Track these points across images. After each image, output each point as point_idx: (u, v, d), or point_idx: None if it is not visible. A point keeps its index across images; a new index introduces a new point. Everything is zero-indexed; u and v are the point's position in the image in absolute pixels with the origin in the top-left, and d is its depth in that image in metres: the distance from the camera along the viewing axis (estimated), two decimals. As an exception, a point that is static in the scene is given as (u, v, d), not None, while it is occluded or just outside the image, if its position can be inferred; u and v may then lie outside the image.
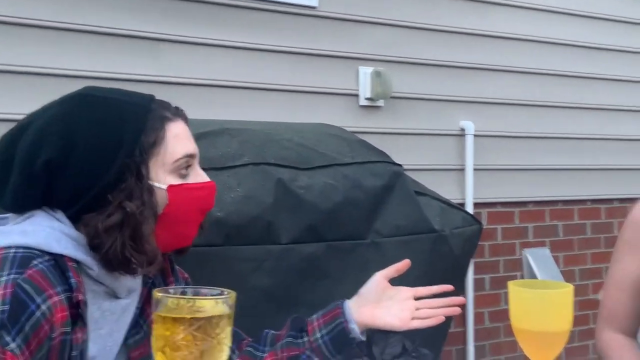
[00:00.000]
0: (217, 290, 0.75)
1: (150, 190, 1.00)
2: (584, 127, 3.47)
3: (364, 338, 1.13)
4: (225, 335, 0.71)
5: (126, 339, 1.06)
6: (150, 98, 1.07)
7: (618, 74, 3.57)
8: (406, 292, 1.15)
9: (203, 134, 1.67)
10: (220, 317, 0.71)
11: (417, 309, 1.13)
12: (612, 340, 1.35)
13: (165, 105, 1.07)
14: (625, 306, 1.34)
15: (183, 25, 2.49)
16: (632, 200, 1.37)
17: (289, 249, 1.65)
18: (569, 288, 0.88)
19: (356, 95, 2.88)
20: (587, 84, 3.49)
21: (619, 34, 3.57)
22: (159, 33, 2.44)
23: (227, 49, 2.60)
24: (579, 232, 3.49)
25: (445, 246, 1.97)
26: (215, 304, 0.72)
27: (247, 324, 1.57)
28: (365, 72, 2.86)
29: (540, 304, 0.87)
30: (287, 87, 2.72)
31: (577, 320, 3.38)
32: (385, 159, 2.00)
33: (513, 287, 0.90)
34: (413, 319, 1.12)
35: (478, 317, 3.18)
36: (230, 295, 0.73)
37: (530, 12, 3.33)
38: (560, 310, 0.87)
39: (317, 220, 1.71)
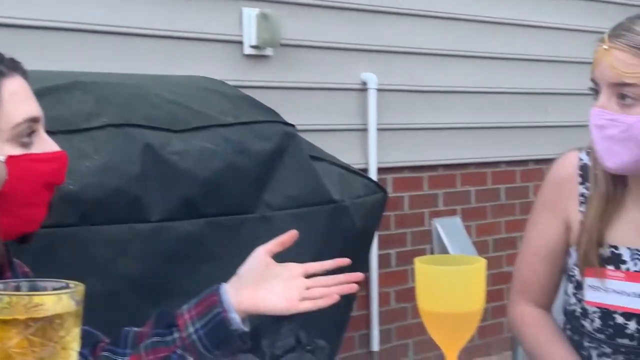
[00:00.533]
0: (62, 282, 0.71)
1: None
2: (499, 80, 3.60)
3: (247, 328, 1.10)
4: (71, 338, 0.67)
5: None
6: None
7: (540, 19, 3.72)
8: (294, 269, 1.14)
9: (48, 89, 1.60)
10: (64, 315, 0.67)
11: (308, 288, 1.11)
12: (526, 314, 1.39)
13: None
14: (541, 275, 1.39)
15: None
16: (548, 161, 1.43)
17: (160, 227, 1.62)
18: (481, 263, 0.90)
19: (239, 43, 2.82)
20: (505, 30, 3.61)
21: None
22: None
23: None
24: (492, 198, 3.64)
25: (345, 218, 1.99)
26: (58, 299, 0.67)
27: (110, 320, 1.51)
28: (250, 14, 2.81)
29: (449, 282, 0.89)
30: (154, 32, 2.63)
31: (491, 296, 3.54)
32: (274, 119, 1.99)
33: (419, 264, 0.91)
34: (303, 299, 1.11)
35: (383, 298, 3.26)
36: (77, 288, 0.69)
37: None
38: (471, 288, 0.89)
39: (194, 193, 1.68)
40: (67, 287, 0.70)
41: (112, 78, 1.89)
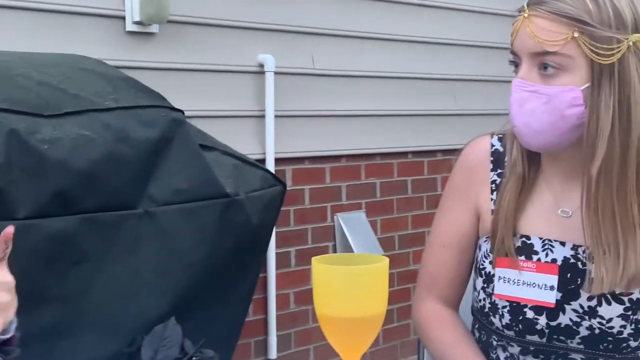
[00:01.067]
0: None
1: None
2: (405, 64, 3.67)
3: None
4: None
5: None
6: None
7: (447, 0, 3.81)
8: None
9: None
10: None
11: None
12: (432, 312, 1.41)
13: None
14: (449, 266, 1.41)
15: None
16: (457, 151, 1.46)
17: (28, 225, 1.58)
18: (383, 262, 0.91)
19: (121, 18, 2.76)
20: (413, 11, 3.68)
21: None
22: None
23: None
24: (398, 191, 3.70)
25: (240, 214, 1.99)
26: None
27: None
28: (133, -14, 2.75)
29: (348, 284, 0.89)
30: (22, 3, 2.53)
31: (396, 297, 3.60)
32: (160, 103, 1.96)
33: (316, 263, 0.91)
34: None
35: (282, 300, 3.26)
36: None
37: None
38: (373, 290, 0.90)
39: (68, 186, 1.65)
40: None
41: (-31, 55, 1.81)
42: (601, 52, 1.20)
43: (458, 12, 3.85)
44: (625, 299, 1.26)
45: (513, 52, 1.27)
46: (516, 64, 1.27)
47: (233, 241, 1.98)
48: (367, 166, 3.57)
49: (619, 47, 1.20)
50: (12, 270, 1.53)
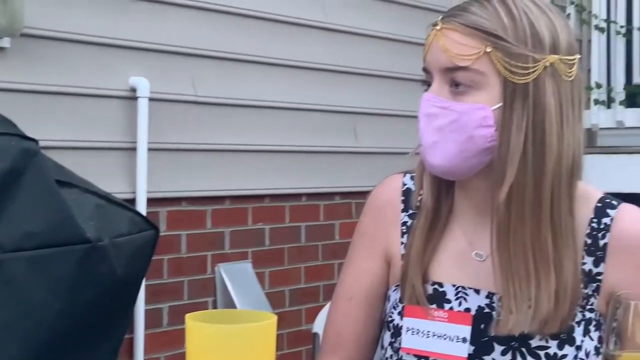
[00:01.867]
0: None
1: None
2: (301, 94, 3.71)
3: None
4: None
5: None
6: None
7: (350, 24, 3.88)
8: None
9: None
10: None
11: None
12: None
13: None
14: (358, 323, 1.42)
15: None
16: (358, 194, 1.48)
17: None
18: (270, 321, 0.91)
19: (-34, 28, 2.68)
20: (312, 35, 3.73)
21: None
22: None
23: None
24: (291, 239, 3.71)
25: (103, 263, 1.91)
26: None
27: None
28: (-18, -8, 2.68)
29: (227, 345, 0.88)
30: None
31: (287, 360, 3.58)
32: (9, 130, 1.87)
33: (191, 321, 0.90)
34: None
35: (152, 366, 3.20)
36: None
37: None
38: (258, 354, 0.89)
39: None
40: None
41: None
42: (516, 70, 1.24)
43: (361, 37, 3.93)
44: (542, 353, 1.28)
45: (425, 69, 1.30)
46: (428, 84, 1.29)
47: (93, 295, 1.90)
48: (255, 209, 3.57)
49: (535, 67, 1.24)
50: None
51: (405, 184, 1.43)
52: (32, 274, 1.77)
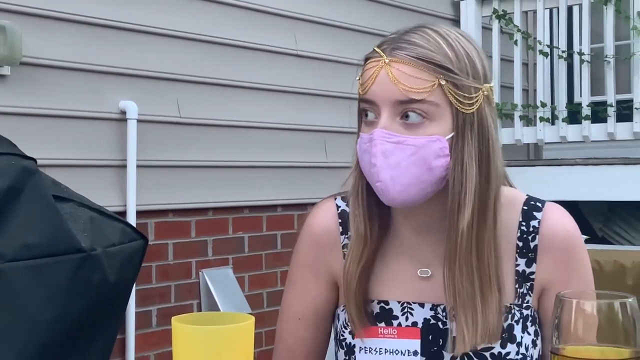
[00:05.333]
0: None
1: None
2: (274, 114, 3.71)
3: None
4: None
5: None
6: None
7: (315, 50, 3.89)
8: None
9: None
10: None
11: None
12: None
13: None
14: (308, 341, 1.39)
15: None
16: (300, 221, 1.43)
17: None
18: (248, 322, 0.90)
19: (-32, 58, 2.66)
20: (279, 59, 3.73)
21: (317, 7, 3.89)
22: None
23: None
24: (267, 246, 3.71)
25: (96, 271, 1.90)
26: None
27: None
28: (-17, 25, 2.67)
29: (209, 345, 0.87)
30: None
31: (264, 357, 3.57)
32: (9, 150, 1.86)
33: (176, 323, 0.89)
34: None
35: (142, 364, 3.18)
36: None
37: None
38: (237, 351, 0.89)
39: None
40: None
41: None
42: (463, 100, 1.19)
43: (328, 62, 3.95)
44: (487, 354, 1.26)
45: (367, 100, 1.21)
46: (366, 113, 1.22)
47: (88, 300, 1.89)
48: (235, 219, 3.56)
49: (477, 97, 1.21)
50: None
51: (339, 207, 1.37)
52: (30, 281, 1.75)
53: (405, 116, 1.18)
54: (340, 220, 1.36)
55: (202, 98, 3.41)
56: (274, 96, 3.71)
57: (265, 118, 3.67)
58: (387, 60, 1.18)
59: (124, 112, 3.11)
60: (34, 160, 1.92)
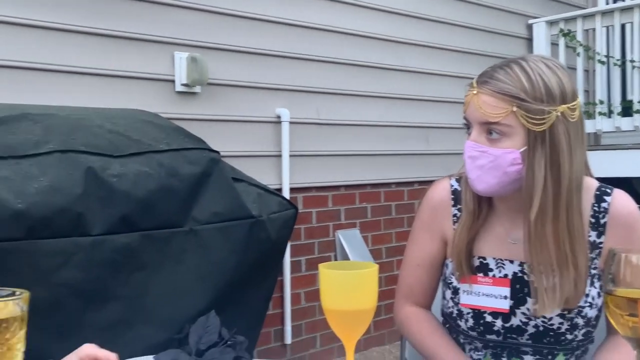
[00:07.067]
0: (7, 290, 0.67)
1: None
2: (390, 115, 3.68)
3: None
4: (17, 340, 0.64)
5: None
6: None
7: (421, 66, 3.83)
8: None
9: (0, 120, 1.51)
10: (9, 320, 0.63)
11: None
12: (411, 313, 1.40)
13: None
14: (424, 282, 1.39)
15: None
16: (430, 182, 1.44)
17: (100, 240, 1.55)
18: (374, 268, 0.91)
19: (172, 81, 2.78)
20: (395, 76, 3.70)
21: (410, 28, 3.83)
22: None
23: (30, 28, 2.37)
24: (385, 213, 3.70)
25: (262, 231, 1.97)
26: (4, 306, 0.64)
27: (54, 323, 1.45)
28: (181, 57, 2.78)
29: (347, 285, 0.89)
30: (98, 70, 2.55)
31: (384, 295, 3.60)
32: (201, 146, 1.96)
33: (323, 269, 0.91)
34: None
35: (295, 298, 3.24)
36: (23, 295, 0.66)
37: (336, 4, 3.45)
38: (366, 289, 0.90)
39: (131, 210, 1.63)
40: (12, 294, 0.66)
41: (57, 110, 1.81)
42: (534, 121, 1.17)
43: (429, 75, 3.88)
44: None
45: (465, 119, 1.24)
46: (468, 127, 1.24)
47: (257, 252, 1.96)
48: (361, 194, 3.57)
49: (549, 117, 1.17)
50: (89, 274, 1.53)
51: (452, 185, 1.36)
52: (218, 238, 1.83)
53: (489, 132, 1.20)
54: (453, 196, 1.36)
55: (335, 105, 3.43)
56: (389, 102, 3.68)
57: (382, 118, 3.65)
58: (475, 92, 1.21)
59: (279, 117, 3.16)
60: (218, 152, 2.01)
